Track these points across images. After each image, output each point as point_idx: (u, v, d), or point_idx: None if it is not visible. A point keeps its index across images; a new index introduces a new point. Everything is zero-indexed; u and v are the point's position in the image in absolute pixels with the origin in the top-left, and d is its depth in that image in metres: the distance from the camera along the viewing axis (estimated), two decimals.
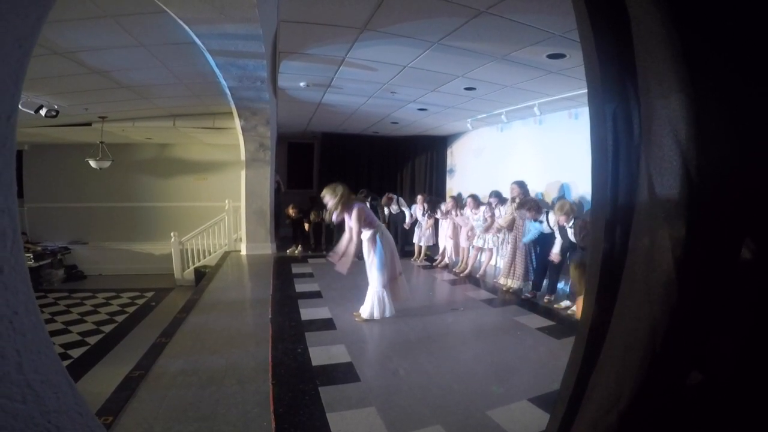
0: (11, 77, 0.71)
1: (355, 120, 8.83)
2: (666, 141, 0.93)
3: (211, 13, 3.31)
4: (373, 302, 4.64)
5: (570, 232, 5.10)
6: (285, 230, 9.64)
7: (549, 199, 6.94)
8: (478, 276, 7.03)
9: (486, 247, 6.94)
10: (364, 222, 4.52)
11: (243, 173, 8.56)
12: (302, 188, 11.64)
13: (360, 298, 4.79)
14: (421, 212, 8.27)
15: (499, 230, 6.64)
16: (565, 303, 5.26)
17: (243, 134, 7.94)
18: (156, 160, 11.86)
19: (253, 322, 4.80)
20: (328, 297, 5.71)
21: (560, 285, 5.80)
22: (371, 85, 5.88)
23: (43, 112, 6.00)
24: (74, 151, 10.28)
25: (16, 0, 0.72)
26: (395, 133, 10.47)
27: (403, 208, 8.69)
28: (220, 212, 10.05)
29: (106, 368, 5.46)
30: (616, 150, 1.04)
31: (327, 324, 4.62)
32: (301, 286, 6.26)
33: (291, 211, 8.95)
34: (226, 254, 8.92)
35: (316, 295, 5.84)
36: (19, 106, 0.78)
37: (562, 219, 5.08)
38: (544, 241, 5.65)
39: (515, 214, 6.19)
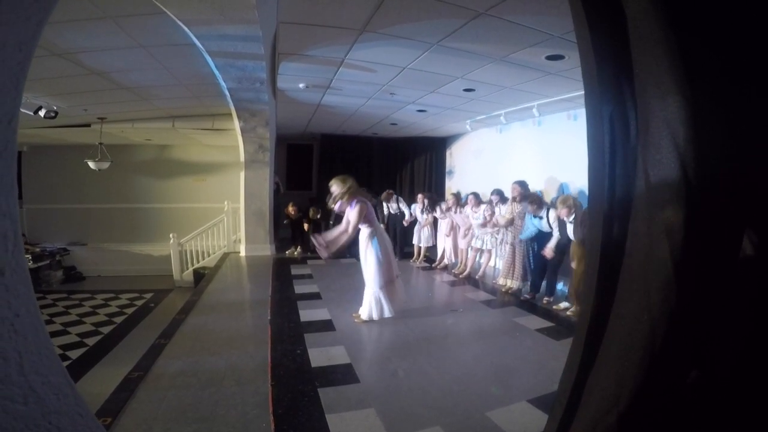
0: (12, 81, 0.72)
1: (354, 121, 8.83)
2: (663, 142, 0.94)
3: (210, 15, 3.32)
4: (370, 303, 4.63)
5: (570, 228, 5.10)
6: (284, 231, 9.63)
7: (548, 200, 6.94)
8: (477, 277, 7.03)
9: (485, 248, 6.94)
10: (363, 218, 4.50)
11: (242, 174, 8.56)
12: (301, 189, 11.65)
13: (359, 299, 4.78)
14: (421, 209, 8.28)
15: (495, 226, 6.63)
16: (564, 304, 5.26)
17: (242, 135, 7.93)
18: (155, 162, 11.86)
19: (253, 323, 4.80)
20: (328, 298, 5.70)
21: (559, 286, 5.80)
22: (370, 86, 5.89)
23: (42, 113, 6.00)
24: (73, 153, 10.27)
25: (17, 4, 0.72)
26: (394, 134, 10.48)
27: (403, 208, 8.69)
28: (219, 213, 10.04)
29: (105, 369, 5.46)
30: (613, 151, 1.04)
31: (326, 325, 4.62)
32: (300, 288, 6.26)
33: (291, 209, 8.95)
34: (225, 255, 8.91)
35: (316, 296, 5.84)
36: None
37: (564, 212, 5.09)
38: (542, 240, 5.65)
39: (515, 214, 6.19)
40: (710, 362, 0.99)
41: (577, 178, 6.38)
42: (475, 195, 7.13)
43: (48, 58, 4.36)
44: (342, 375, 3.43)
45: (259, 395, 3.02)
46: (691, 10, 0.88)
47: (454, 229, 7.69)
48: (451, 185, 10.94)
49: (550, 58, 4.38)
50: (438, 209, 7.99)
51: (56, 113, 6.26)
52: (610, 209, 1.06)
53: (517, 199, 6.20)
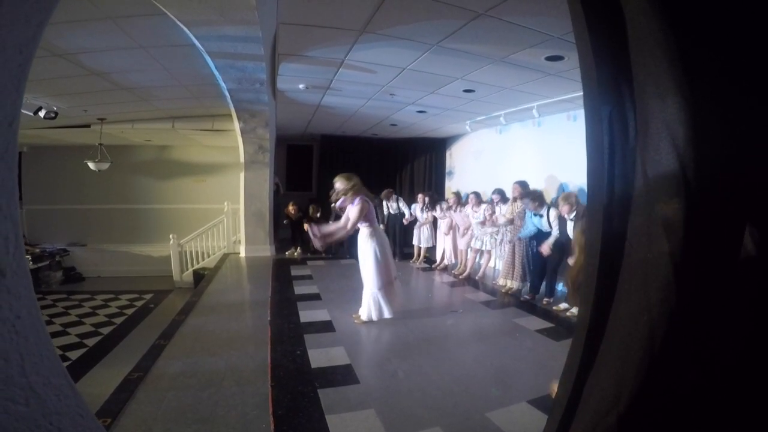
0: (13, 83, 0.72)
1: (354, 122, 8.83)
2: (662, 143, 0.94)
3: (210, 15, 3.32)
4: (369, 304, 4.63)
5: (570, 226, 5.10)
6: (284, 232, 9.64)
7: (548, 200, 6.94)
8: (477, 278, 7.03)
9: (484, 248, 6.94)
10: (363, 217, 4.50)
11: (242, 175, 8.56)
12: (301, 190, 11.65)
13: (359, 300, 4.78)
14: (421, 207, 8.30)
15: (495, 224, 6.63)
16: (564, 305, 5.26)
17: (242, 136, 7.93)
18: (155, 162, 11.86)
19: (252, 324, 4.80)
20: (327, 299, 5.71)
21: (559, 287, 5.80)
22: (370, 87, 5.89)
23: (42, 113, 6.00)
24: (73, 153, 10.28)
25: (17, 6, 0.72)
26: (394, 135, 10.48)
27: (403, 208, 8.69)
28: (219, 214, 10.04)
29: (104, 370, 5.46)
30: (612, 152, 1.04)
31: (326, 326, 4.62)
32: (300, 288, 6.26)
33: (291, 209, 8.95)
34: (225, 256, 8.91)
35: (315, 297, 5.84)
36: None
37: (566, 209, 5.09)
38: (541, 240, 5.65)
39: (515, 214, 6.20)
40: (710, 362, 0.99)
41: (577, 179, 6.38)
42: (476, 194, 7.14)
43: (48, 58, 4.36)
44: (342, 376, 3.43)
45: (258, 396, 3.02)
46: (690, 11, 0.88)
47: (453, 228, 7.69)
48: (451, 186, 10.95)
49: (549, 58, 4.39)
50: (438, 208, 8.00)
51: (56, 114, 6.26)
52: (609, 210, 1.06)
53: (518, 198, 6.21)
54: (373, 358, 3.99)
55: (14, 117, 0.72)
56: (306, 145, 11.95)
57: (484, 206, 6.91)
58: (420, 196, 8.47)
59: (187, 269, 9.74)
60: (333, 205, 4.78)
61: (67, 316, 8.10)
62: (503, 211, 6.68)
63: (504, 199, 6.90)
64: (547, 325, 4.78)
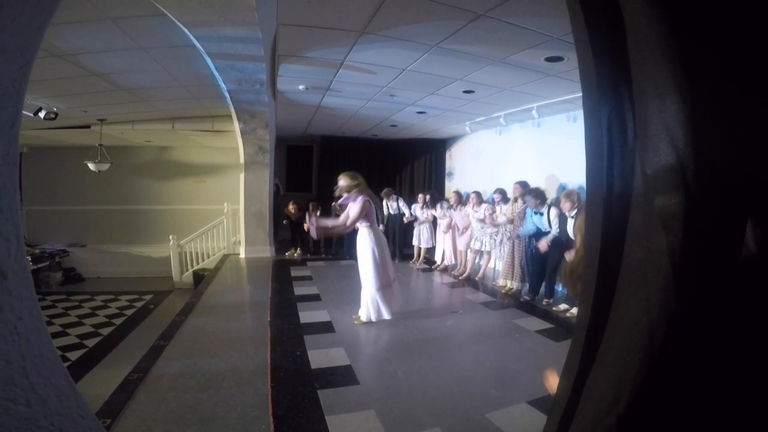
0: (14, 85, 0.72)
1: (354, 123, 8.84)
2: (662, 145, 0.94)
3: (210, 16, 3.32)
4: (368, 305, 4.63)
5: (570, 223, 5.11)
6: (284, 233, 9.64)
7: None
8: (477, 279, 7.04)
9: (484, 249, 6.94)
10: (364, 216, 4.51)
11: (242, 176, 8.56)
12: (301, 191, 11.65)
13: (359, 300, 4.78)
14: (421, 206, 8.30)
15: (495, 223, 6.63)
16: (564, 306, 5.26)
17: (242, 137, 7.94)
18: (155, 163, 11.86)
19: (252, 324, 4.80)
20: (327, 300, 5.71)
21: (558, 287, 5.81)
22: (370, 88, 5.90)
23: (42, 114, 6.00)
24: (73, 154, 10.27)
25: (18, 8, 0.72)
26: (394, 135, 10.49)
27: (403, 208, 8.70)
28: (218, 215, 10.05)
29: (104, 371, 5.46)
30: (611, 154, 1.05)
31: (326, 327, 4.62)
32: (300, 289, 6.26)
33: (291, 208, 8.95)
34: (224, 257, 8.91)
35: (315, 298, 5.84)
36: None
37: (567, 206, 5.10)
38: (540, 239, 5.66)
39: (516, 214, 6.20)
40: (710, 362, 0.99)
41: (577, 180, 6.38)
42: (477, 193, 7.14)
43: (48, 59, 4.37)
44: (342, 377, 3.43)
45: (258, 397, 3.02)
46: (690, 12, 0.88)
47: (452, 228, 7.70)
48: (451, 187, 10.95)
49: (549, 59, 4.40)
50: (438, 207, 8.00)
51: (56, 115, 6.26)
52: (608, 211, 1.06)
53: (519, 197, 6.22)
54: (373, 359, 4.00)
55: (16, 119, 0.73)
56: (306, 146, 11.96)
57: (485, 206, 6.91)
58: (420, 196, 8.50)
59: (187, 270, 9.74)
60: (334, 203, 4.77)
61: (67, 317, 8.10)
62: (504, 210, 6.68)
63: (505, 198, 6.91)
64: (546, 325, 4.78)
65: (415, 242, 8.54)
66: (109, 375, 4.43)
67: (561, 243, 5.34)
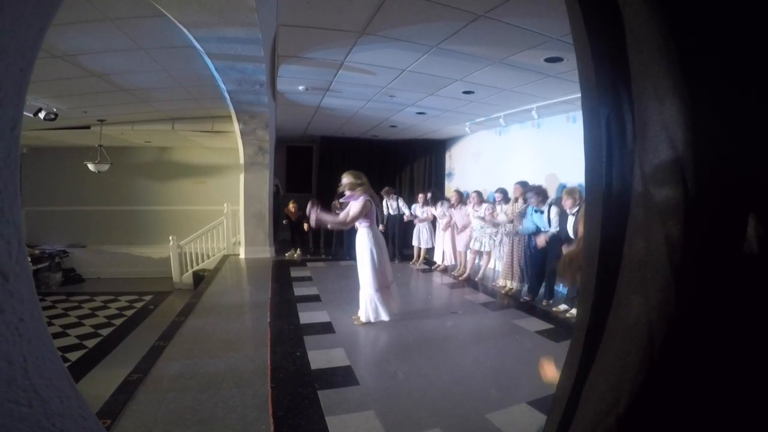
0: (15, 88, 0.72)
1: (353, 123, 8.84)
2: (661, 146, 0.94)
3: (210, 17, 3.33)
4: (366, 305, 4.63)
5: (571, 221, 5.11)
6: (284, 233, 9.64)
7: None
8: (476, 279, 7.04)
9: (483, 250, 6.94)
10: (364, 216, 4.52)
11: (242, 177, 8.56)
12: (301, 192, 11.65)
13: (359, 301, 4.78)
14: (421, 203, 8.31)
15: (495, 220, 6.62)
16: (564, 306, 5.27)
17: (242, 138, 7.94)
18: (155, 164, 11.86)
19: (252, 325, 4.80)
20: (327, 300, 5.71)
21: (558, 288, 5.81)
22: (370, 88, 5.90)
23: (42, 115, 6.01)
24: (73, 155, 10.27)
25: (19, 11, 0.73)
26: (394, 136, 10.49)
27: (403, 208, 8.70)
28: (218, 216, 10.05)
29: (104, 371, 5.46)
30: (610, 155, 1.05)
31: (326, 327, 4.62)
32: (299, 290, 6.26)
33: (291, 207, 8.95)
34: (224, 258, 8.91)
35: (315, 298, 5.84)
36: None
37: (569, 203, 5.11)
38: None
39: (516, 214, 6.20)
40: (710, 363, 0.99)
41: (576, 181, 6.38)
42: (478, 193, 7.13)
43: (48, 60, 4.37)
44: (342, 377, 3.43)
45: (258, 397, 3.02)
46: (689, 13, 0.89)
47: (452, 226, 7.69)
48: (451, 187, 10.95)
49: (548, 60, 4.40)
50: (439, 205, 7.99)
51: (56, 115, 6.26)
52: (608, 212, 1.06)
53: (520, 197, 6.22)
54: (373, 360, 4.00)
55: (17, 121, 0.73)
56: (306, 146, 11.96)
57: (485, 205, 6.91)
58: (420, 196, 8.51)
59: (187, 271, 9.75)
60: (334, 201, 4.77)
61: (67, 318, 8.10)
62: (504, 209, 6.68)
63: (506, 198, 6.90)
64: (546, 326, 4.78)
65: (414, 242, 8.54)
66: (108, 376, 4.44)
67: (560, 241, 5.34)
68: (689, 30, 0.89)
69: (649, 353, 0.97)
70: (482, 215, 6.80)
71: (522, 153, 7.90)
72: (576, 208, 5.05)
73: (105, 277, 11.29)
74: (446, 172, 11.34)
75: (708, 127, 0.90)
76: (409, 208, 8.66)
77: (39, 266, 10.09)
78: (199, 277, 8.58)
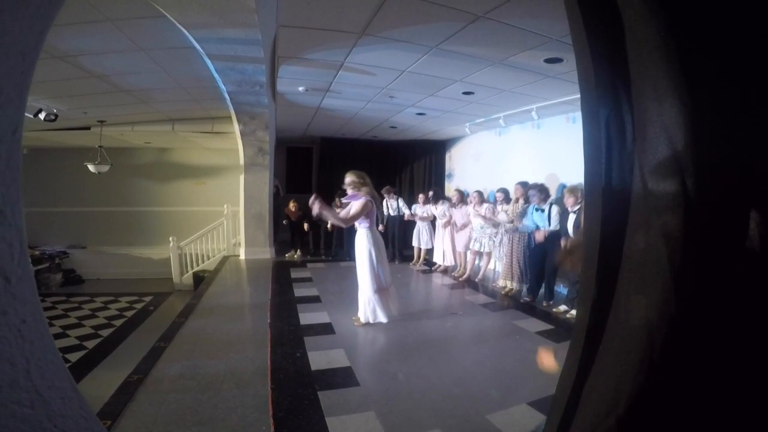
0: (16, 90, 0.72)
1: (353, 124, 8.85)
2: (661, 147, 0.95)
3: (210, 18, 3.33)
4: (365, 306, 4.62)
5: (572, 219, 5.11)
6: (284, 234, 9.64)
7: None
8: (476, 280, 7.03)
9: (483, 250, 6.94)
10: (364, 215, 4.52)
11: (242, 178, 8.56)
12: (301, 192, 11.63)
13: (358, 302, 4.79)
14: (422, 202, 8.31)
15: (495, 219, 6.62)
16: (564, 307, 5.26)
17: (242, 139, 7.94)
18: (155, 165, 11.86)
19: (252, 326, 4.79)
20: (327, 301, 5.70)
21: (558, 289, 5.80)
22: (370, 89, 5.90)
23: (42, 116, 6.01)
24: (73, 156, 10.25)
25: (20, 13, 0.73)
26: (394, 137, 10.49)
27: (403, 208, 8.70)
28: (218, 217, 10.05)
29: (104, 372, 5.45)
30: (610, 156, 1.05)
31: (326, 328, 4.62)
32: (299, 291, 6.25)
33: (292, 207, 8.95)
34: (224, 259, 8.90)
35: (315, 299, 5.84)
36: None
37: (571, 201, 5.11)
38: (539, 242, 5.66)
39: (516, 214, 6.20)
40: (709, 363, 0.99)
41: (576, 181, 6.38)
42: (479, 192, 7.12)
43: (48, 61, 4.37)
44: (342, 378, 3.43)
45: (258, 398, 3.02)
46: (688, 14, 0.89)
47: (451, 226, 7.69)
48: (451, 188, 10.95)
49: (548, 61, 4.40)
50: (439, 204, 7.98)
51: (56, 116, 6.26)
52: (608, 213, 1.06)
53: (520, 197, 6.22)
54: (373, 361, 3.99)
55: (18, 124, 0.73)
56: (306, 147, 11.96)
57: (486, 205, 6.91)
58: (421, 195, 8.50)
59: (187, 272, 9.75)
60: (336, 199, 4.76)
61: (67, 319, 8.09)
62: (505, 209, 6.68)
63: (507, 198, 6.90)
64: (546, 327, 4.78)
65: (414, 243, 8.53)
66: (109, 376, 4.43)
67: (559, 239, 5.34)
68: (688, 30, 0.89)
69: (649, 354, 0.97)
70: (483, 214, 6.80)
71: (522, 154, 7.90)
72: (578, 206, 5.06)
73: (105, 278, 11.28)
74: (446, 172, 11.34)
75: (708, 128, 0.90)
76: (410, 209, 8.66)
77: (39, 267, 10.07)
78: (200, 278, 8.58)
